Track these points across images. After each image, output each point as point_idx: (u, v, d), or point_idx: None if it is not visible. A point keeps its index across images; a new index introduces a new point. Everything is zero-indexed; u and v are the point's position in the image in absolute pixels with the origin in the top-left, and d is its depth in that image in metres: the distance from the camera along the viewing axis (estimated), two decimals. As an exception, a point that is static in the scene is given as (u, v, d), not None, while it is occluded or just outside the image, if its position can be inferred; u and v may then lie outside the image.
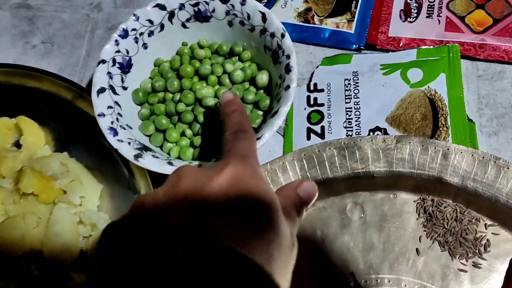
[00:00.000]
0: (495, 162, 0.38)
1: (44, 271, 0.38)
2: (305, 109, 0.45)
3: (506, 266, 0.37)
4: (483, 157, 0.38)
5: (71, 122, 0.44)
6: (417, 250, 0.38)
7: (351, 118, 0.44)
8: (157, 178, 0.39)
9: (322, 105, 0.45)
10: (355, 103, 0.45)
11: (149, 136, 0.41)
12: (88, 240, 0.39)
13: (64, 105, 0.44)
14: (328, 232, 0.40)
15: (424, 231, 0.39)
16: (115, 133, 0.38)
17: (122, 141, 0.37)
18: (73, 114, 0.43)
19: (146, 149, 0.38)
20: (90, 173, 0.42)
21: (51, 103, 0.44)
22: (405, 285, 0.37)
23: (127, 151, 0.37)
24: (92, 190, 0.41)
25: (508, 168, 0.37)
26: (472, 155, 0.38)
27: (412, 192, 0.40)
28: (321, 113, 0.45)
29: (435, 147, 0.39)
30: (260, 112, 0.41)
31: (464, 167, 0.38)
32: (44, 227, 0.38)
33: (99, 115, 0.38)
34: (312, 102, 0.46)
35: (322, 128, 0.44)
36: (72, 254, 0.37)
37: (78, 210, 0.40)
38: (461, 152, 0.38)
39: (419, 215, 0.40)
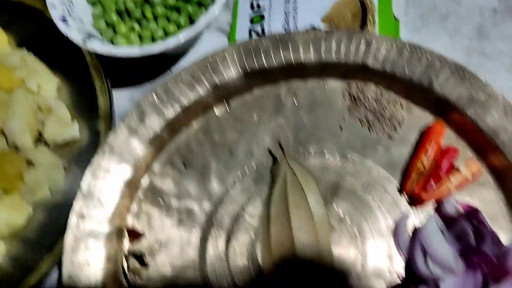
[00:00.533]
0: (409, 47, 0.43)
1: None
2: (248, 13, 0.49)
3: (416, 137, 0.42)
4: (400, 44, 0.43)
5: (34, 28, 0.48)
6: (340, 127, 0.43)
7: (289, 20, 0.48)
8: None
9: (264, 9, 0.49)
10: (293, 7, 0.49)
11: (100, 30, 0.45)
12: (45, 124, 0.43)
13: (30, 12, 0.48)
14: (263, 115, 0.45)
15: (349, 112, 0.44)
16: (66, 22, 0.42)
17: (72, 28, 0.41)
18: (38, 21, 0.47)
19: (95, 36, 0.42)
20: (48, 68, 0.46)
21: (18, 10, 0.48)
22: (328, 153, 0.42)
23: (76, 37, 0.41)
24: (49, 80, 0.45)
25: (421, 52, 0.42)
26: (391, 43, 0.43)
27: (340, 79, 0.45)
28: (262, 16, 0.49)
29: (359, 37, 0.44)
30: (204, 9, 0.45)
31: (383, 53, 0.43)
32: (5, 109, 0.42)
33: (50, 6, 0.42)
34: (255, 7, 0.50)
35: (263, 28, 0.48)
36: (30, 134, 0.42)
37: (36, 98, 0.44)
38: (382, 41, 0.43)
39: (345, 99, 0.44)
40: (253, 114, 0.44)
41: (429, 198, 0.38)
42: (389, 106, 0.43)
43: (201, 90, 0.43)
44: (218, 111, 0.45)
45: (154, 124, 0.43)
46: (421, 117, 0.42)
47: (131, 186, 0.42)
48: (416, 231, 0.37)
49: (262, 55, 0.44)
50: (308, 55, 0.44)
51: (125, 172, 0.41)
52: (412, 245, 0.37)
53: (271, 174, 0.42)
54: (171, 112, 0.43)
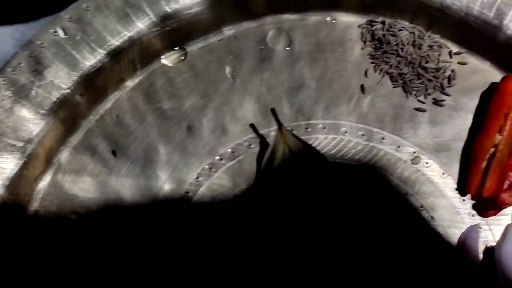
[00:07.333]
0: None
1: None
2: None
3: (475, 102, 0.26)
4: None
5: None
6: (362, 87, 0.27)
7: None
8: None
9: None
10: None
11: None
12: None
13: None
14: (241, 68, 0.27)
15: (372, 63, 0.27)
16: None
17: None
18: None
19: None
20: None
21: None
22: (346, 132, 0.25)
23: None
24: None
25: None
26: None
27: (357, 13, 0.28)
28: None
29: None
30: None
31: (426, -29, 0.26)
32: None
33: None
34: None
35: None
36: None
37: None
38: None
39: (365, 42, 0.27)
40: (225, 66, 0.27)
41: (509, 203, 0.23)
42: (433, 54, 0.27)
43: (141, 24, 0.25)
44: (168, 60, 0.26)
45: (61, 80, 0.24)
46: (482, 71, 0.27)
47: (19, 189, 0.23)
48: (490, 250, 0.23)
49: (238, -30, 0.26)
50: (310, -27, 0.26)
51: (6, 166, 0.22)
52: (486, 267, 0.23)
53: (259, 164, 0.25)
54: (90, 60, 0.24)
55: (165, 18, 0.27)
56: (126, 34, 0.26)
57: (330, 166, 0.25)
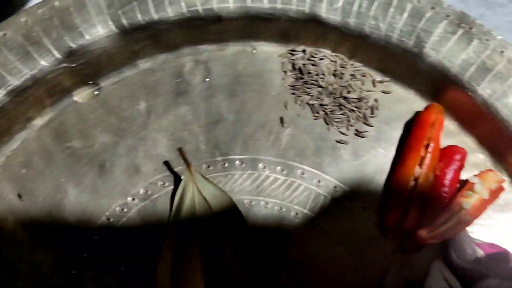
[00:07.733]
0: (385, -11, 0.25)
1: None
2: None
3: (399, 133, 0.25)
4: (370, -16, 0.25)
5: None
6: (281, 120, 0.25)
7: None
8: None
9: None
10: None
11: None
12: None
13: None
14: (156, 103, 0.26)
15: (293, 93, 0.26)
16: None
17: None
18: None
19: None
20: None
21: None
22: (264, 167, 0.24)
23: None
24: None
25: (403, -3, 0.25)
26: (356, -17, 0.25)
27: (277, 42, 0.27)
28: None
29: (306, -25, 0.25)
30: None
31: (345, -1, 0.25)
32: None
33: None
34: None
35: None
36: None
37: None
38: (342, -20, 0.25)
39: (286, 73, 0.26)
40: (139, 101, 0.25)
41: (430, 239, 0.22)
42: (355, 84, 0.26)
43: (44, 62, 0.23)
44: (80, 96, 0.25)
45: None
46: (407, 100, 0.26)
47: None
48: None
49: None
50: (225, 2, 0.25)
51: None
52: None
53: (172, 203, 0.24)
54: (-13, 101, 0.23)
55: (70, 54, 0.26)
56: (28, 72, 0.25)
57: (237, 209, 0.24)
